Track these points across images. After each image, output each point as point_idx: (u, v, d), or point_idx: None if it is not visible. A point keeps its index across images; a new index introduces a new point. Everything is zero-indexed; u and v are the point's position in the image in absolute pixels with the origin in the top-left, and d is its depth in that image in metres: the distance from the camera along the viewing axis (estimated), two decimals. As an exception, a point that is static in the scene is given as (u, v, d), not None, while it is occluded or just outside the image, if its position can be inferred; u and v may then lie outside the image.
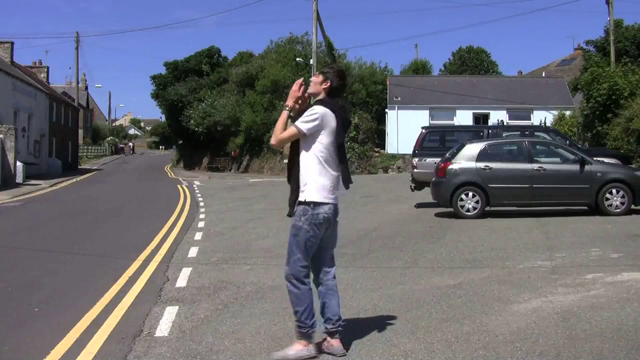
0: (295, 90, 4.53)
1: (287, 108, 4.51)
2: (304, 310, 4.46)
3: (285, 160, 4.82)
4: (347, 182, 4.67)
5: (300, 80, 4.57)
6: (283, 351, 4.54)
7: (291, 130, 4.44)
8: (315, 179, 4.45)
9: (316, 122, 4.40)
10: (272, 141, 4.52)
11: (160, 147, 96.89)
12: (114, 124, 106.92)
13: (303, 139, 4.46)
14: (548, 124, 25.83)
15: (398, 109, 35.29)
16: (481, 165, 12.67)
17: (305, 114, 4.43)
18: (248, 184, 27.50)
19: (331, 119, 4.47)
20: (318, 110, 4.43)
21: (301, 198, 4.47)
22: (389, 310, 5.76)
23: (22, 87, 34.28)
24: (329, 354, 4.53)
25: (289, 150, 4.61)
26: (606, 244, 9.02)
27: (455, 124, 31.55)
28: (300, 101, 4.56)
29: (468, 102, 35.59)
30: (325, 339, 4.59)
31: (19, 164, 27.21)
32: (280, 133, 4.47)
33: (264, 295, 6.48)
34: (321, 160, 4.45)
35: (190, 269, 8.00)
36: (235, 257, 9.03)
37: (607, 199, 12.23)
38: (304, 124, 4.41)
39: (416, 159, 16.55)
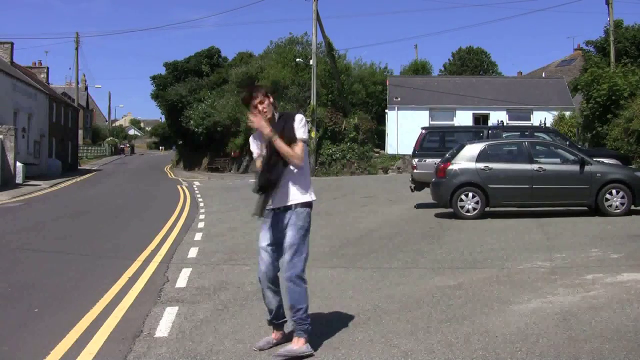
0: (260, 121, 4.56)
1: (273, 136, 4.56)
2: (306, 308, 4.62)
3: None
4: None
5: (256, 117, 4.58)
6: (285, 349, 4.58)
7: (300, 144, 4.60)
8: (310, 180, 4.84)
9: (307, 128, 4.70)
10: (297, 162, 4.59)
11: (160, 147, 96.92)
12: (113, 125, 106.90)
13: (304, 146, 4.68)
14: (548, 125, 25.82)
15: (398, 109, 35.28)
16: (481, 165, 12.67)
17: (297, 123, 4.61)
18: (248, 185, 27.50)
19: None
20: (303, 117, 4.72)
21: (308, 199, 4.69)
22: (389, 311, 5.76)
23: (22, 87, 34.28)
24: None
25: (268, 153, 4.62)
26: (606, 244, 9.02)
27: (455, 124, 31.54)
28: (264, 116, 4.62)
29: (468, 103, 35.60)
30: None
31: (18, 164, 27.21)
32: (293, 152, 4.57)
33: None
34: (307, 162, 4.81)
35: (190, 269, 8.00)
36: (235, 257, 9.03)
37: (607, 200, 12.23)
38: (303, 133, 4.63)
39: (416, 160, 16.55)
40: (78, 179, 33.91)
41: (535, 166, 12.53)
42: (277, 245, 4.65)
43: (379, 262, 8.31)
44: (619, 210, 12.15)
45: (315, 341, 4.86)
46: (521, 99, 35.24)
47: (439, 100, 35.94)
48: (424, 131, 17.59)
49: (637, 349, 4.54)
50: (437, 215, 13.08)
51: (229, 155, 43.93)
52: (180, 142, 57.57)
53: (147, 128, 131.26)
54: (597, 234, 10.05)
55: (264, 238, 4.70)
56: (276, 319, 4.78)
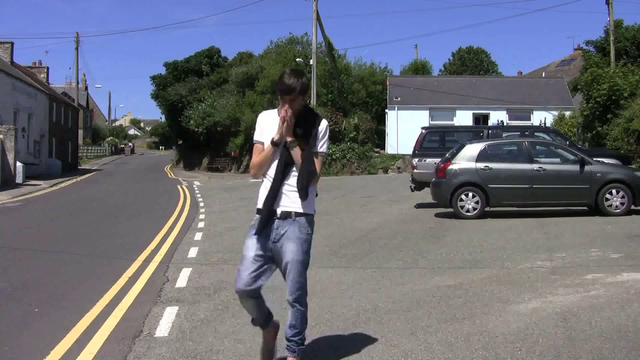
0: (288, 121, 3.94)
1: (291, 143, 3.99)
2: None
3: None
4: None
5: (289, 112, 3.94)
6: None
7: (320, 160, 4.10)
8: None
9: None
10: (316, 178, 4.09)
11: (160, 147, 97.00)
12: (113, 124, 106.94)
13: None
14: (548, 125, 25.84)
15: (398, 109, 35.30)
16: (481, 165, 12.67)
17: (322, 135, 4.08)
18: (248, 185, 27.47)
19: None
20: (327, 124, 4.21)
21: (312, 210, 4.15)
22: (389, 311, 5.76)
23: (22, 87, 34.27)
24: None
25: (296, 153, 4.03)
26: (606, 244, 9.02)
27: (455, 124, 31.56)
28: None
29: (468, 103, 35.62)
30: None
31: (18, 164, 27.20)
32: (313, 167, 4.05)
33: (264, 296, 6.47)
34: None
35: (190, 269, 8.00)
36: (235, 257, 9.01)
37: (607, 200, 12.24)
38: (326, 147, 4.14)
39: (416, 160, 16.57)
40: (78, 179, 33.89)
41: (535, 166, 12.53)
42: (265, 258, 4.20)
43: (379, 262, 8.31)
44: (619, 210, 12.16)
45: (315, 341, 4.86)
46: (521, 99, 35.27)
47: (439, 100, 35.96)
48: (424, 131, 17.60)
49: (637, 349, 4.54)
50: (437, 215, 13.09)
51: (229, 155, 43.93)
52: (180, 142, 57.58)
53: (147, 128, 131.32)
54: (597, 234, 10.05)
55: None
56: None
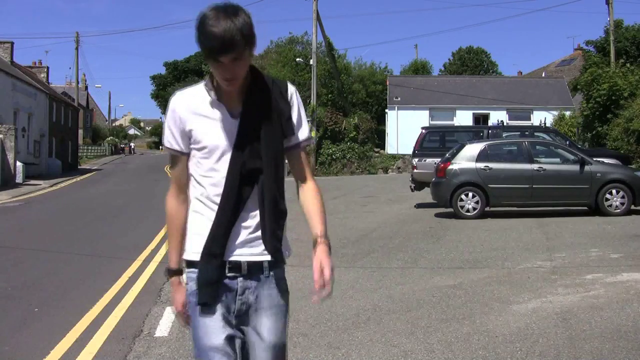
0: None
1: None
2: None
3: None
4: None
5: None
6: None
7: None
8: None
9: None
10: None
11: (160, 147, 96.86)
12: (113, 124, 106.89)
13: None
14: (548, 125, 25.83)
15: (398, 109, 35.30)
16: (481, 165, 12.68)
17: (296, 108, 2.41)
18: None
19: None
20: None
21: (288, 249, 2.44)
22: (389, 310, 5.76)
23: (22, 87, 34.26)
24: None
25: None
26: (606, 244, 9.02)
27: (455, 124, 31.57)
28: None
29: (468, 103, 35.62)
30: None
31: (18, 164, 27.20)
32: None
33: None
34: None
35: (190, 269, 7.99)
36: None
37: (607, 200, 12.24)
38: (307, 130, 2.45)
39: (416, 160, 16.59)
40: (78, 179, 33.88)
41: (535, 166, 12.53)
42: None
43: (379, 262, 8.31)
44: (619, 210, 12.16)
45: (315, 341, 4.86)
46: (521, 99, 35.27)
47: (439, 100, 35.96)
48: (424, 131, 17.62)
49: (637, 349, 4.54)
50: (437, 215, 13.09)
51: (229, 155, 43.91)
52: (181, 141, 57.51)
53: (147, 128, 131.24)
54: (597, 234, 10.06)
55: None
56: None
